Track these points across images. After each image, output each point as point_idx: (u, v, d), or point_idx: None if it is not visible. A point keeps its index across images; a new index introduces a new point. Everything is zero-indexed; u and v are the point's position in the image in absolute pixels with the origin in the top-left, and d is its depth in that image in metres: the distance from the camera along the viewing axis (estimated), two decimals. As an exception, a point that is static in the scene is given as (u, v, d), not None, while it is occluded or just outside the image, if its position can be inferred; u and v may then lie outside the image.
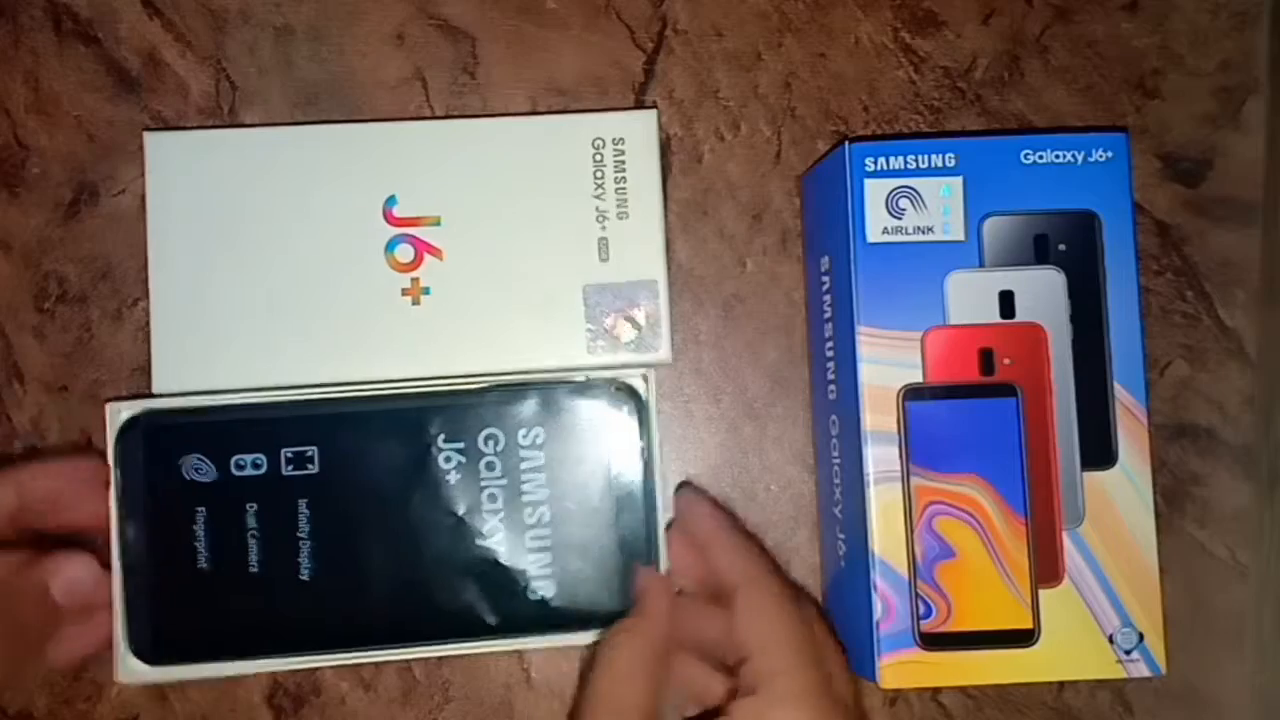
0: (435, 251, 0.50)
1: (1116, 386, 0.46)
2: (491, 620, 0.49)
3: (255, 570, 0.48)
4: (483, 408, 0.49)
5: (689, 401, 0.54)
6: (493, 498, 0.49)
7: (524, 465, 0.49)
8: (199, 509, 0.48)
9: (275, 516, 0.48)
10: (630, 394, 0.49)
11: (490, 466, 0.49)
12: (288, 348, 0.50)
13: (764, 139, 0.55)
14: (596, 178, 0.50)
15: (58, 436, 0.53)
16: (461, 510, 0.49)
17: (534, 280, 0.50)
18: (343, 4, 0.54)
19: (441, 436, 0.49)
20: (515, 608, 0.49)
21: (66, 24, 0.54)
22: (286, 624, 0.48)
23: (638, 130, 0.51)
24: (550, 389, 0.49)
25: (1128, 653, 0.45)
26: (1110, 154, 0.47)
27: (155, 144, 0.50)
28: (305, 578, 0.48)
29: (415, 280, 0.50)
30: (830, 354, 0.49)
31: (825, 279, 0.49)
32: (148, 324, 0.52)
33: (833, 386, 0.49)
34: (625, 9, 0.55)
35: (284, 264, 0.50)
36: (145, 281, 0.49)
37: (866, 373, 0.46)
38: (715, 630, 0.47)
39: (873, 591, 0.45)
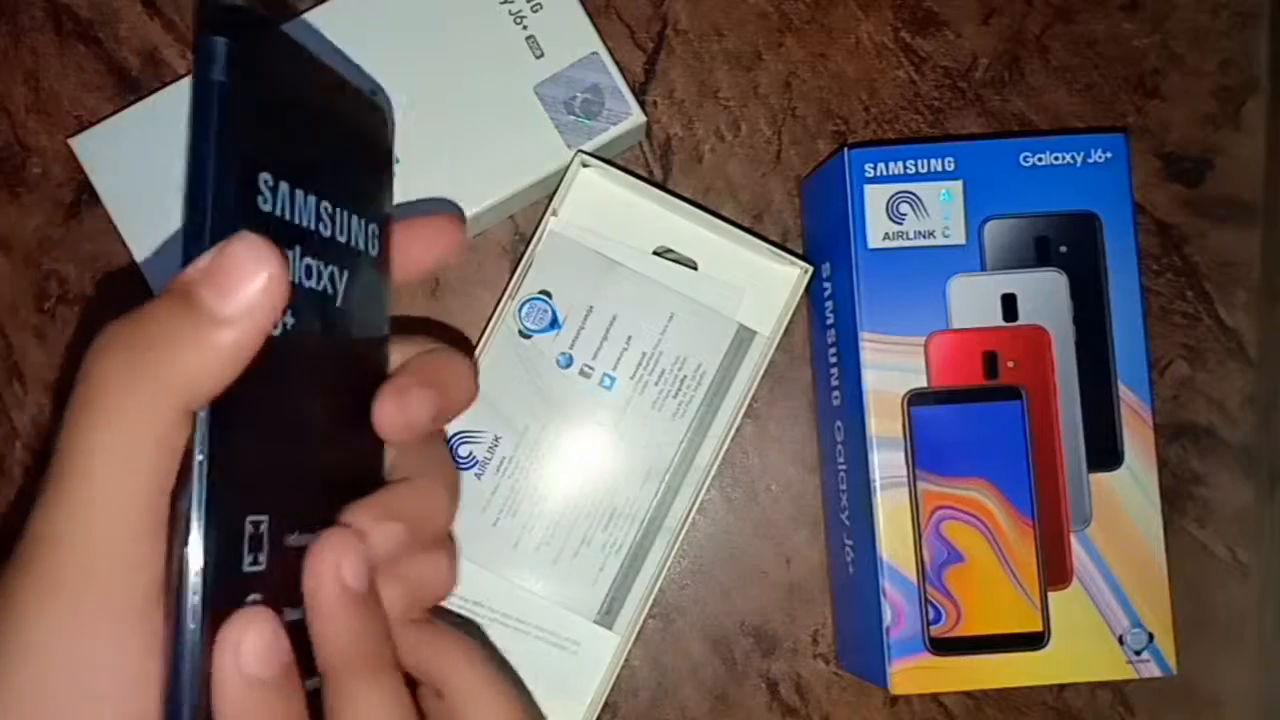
0: None
1: (1121, 387, 0.46)
2: None
3: None
4: None
5: (691, 402, 0.54)
6: None
7: None
8: None
9: None
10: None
11: None
12: None
13: (764, 139, 0.55)
14: None
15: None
16: None
17: (486, 106, 0.50)
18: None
19: None
20: None
21: (67, 24, 0.53)
22: None
23: None
24: None
25: (1138, 653, 0.46)
26: (1109, 155, 0.47)
27: (83, 145, 0.49)
28: None
29: None
30: (833, 360, 0.49)
31: (827, 285, 0.50)
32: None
33: (836, 392, 0.49)
34: (625, 9, 0.55)
35: None
36: (145, 282, 0.49)
37: (870, 378, 0.46)
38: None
39: (882, 598, 0.45)
